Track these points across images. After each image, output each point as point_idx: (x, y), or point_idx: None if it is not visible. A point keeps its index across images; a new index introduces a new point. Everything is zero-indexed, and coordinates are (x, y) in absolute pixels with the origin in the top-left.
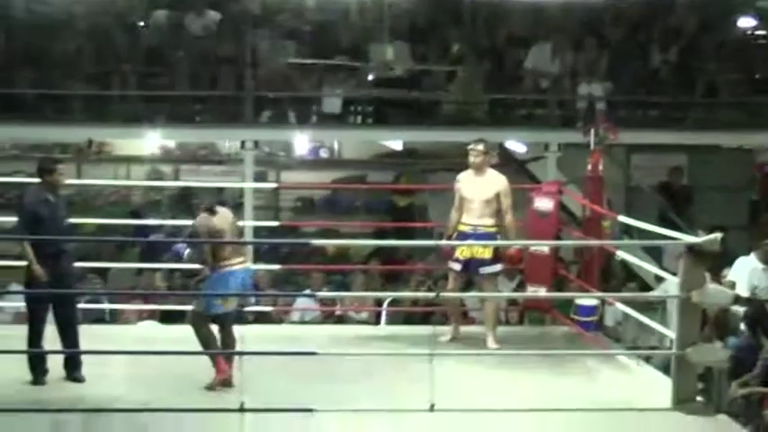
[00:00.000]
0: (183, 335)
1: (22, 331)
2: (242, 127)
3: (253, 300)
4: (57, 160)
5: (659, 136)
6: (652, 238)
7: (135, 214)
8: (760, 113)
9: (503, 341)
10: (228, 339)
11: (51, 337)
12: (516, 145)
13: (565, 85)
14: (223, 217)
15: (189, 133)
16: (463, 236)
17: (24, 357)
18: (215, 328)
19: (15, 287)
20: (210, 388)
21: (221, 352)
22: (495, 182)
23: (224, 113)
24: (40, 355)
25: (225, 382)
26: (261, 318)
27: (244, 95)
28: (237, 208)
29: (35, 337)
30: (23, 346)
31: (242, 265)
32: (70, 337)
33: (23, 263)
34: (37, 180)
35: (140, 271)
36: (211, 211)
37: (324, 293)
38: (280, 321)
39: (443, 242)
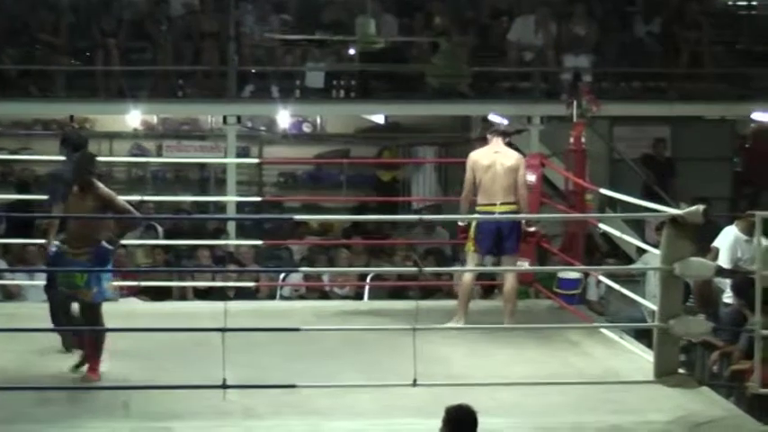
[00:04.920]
0: (167, 311)
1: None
2: (225, 102)
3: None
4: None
5: (642, 108)
6: (635, 210)
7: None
8: (743, 85)
9: (484, 314)
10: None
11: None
12: (499, 118)
13: (549, 58)
14: None
15: (172, 108)
16: None
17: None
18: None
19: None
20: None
21: (212, 329)
22: None
23: (207, 88)
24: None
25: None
26: (244, 294)
27: (227, 70)
28: (221, 183)
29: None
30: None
31: None
32: None
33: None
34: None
35: None
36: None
37: (307, 269)
38: (264, 297)
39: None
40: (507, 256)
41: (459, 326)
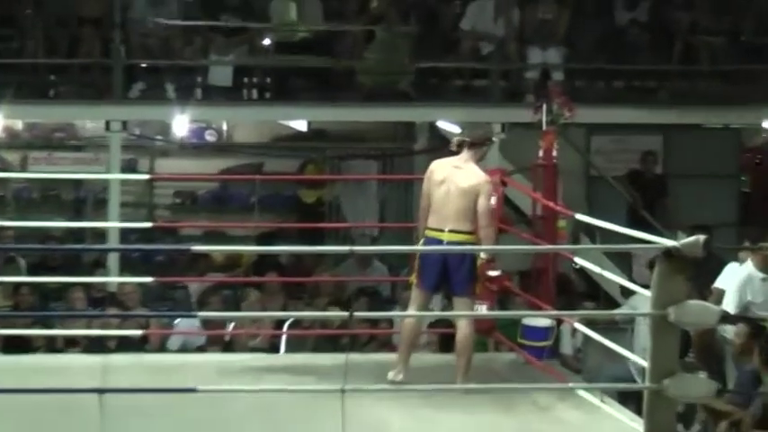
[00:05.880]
0: (29, 366)
1: None
2: (107, 104)
3: None
4: None
5: (627, 113)
6: (619, 240)
7: None
8: (749, 84)
9: (433, 371)
10: None
11: None
12: (450, 125)
13: (511, 51)
14: None
15: (41, 111)
16: None
17: None
18: None
19: None
20: None
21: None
22: None
23: (85, 86)
24: None
25: None
26: (128, 344)
27: (110, 64)
28: (101, 204)
29: None
30: None
31: None
32: None
33: None
34: None
35: None
36: None
37: (208, 313)
38: (154, 348)
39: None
40: (457, 298)
41: (395, 385)
